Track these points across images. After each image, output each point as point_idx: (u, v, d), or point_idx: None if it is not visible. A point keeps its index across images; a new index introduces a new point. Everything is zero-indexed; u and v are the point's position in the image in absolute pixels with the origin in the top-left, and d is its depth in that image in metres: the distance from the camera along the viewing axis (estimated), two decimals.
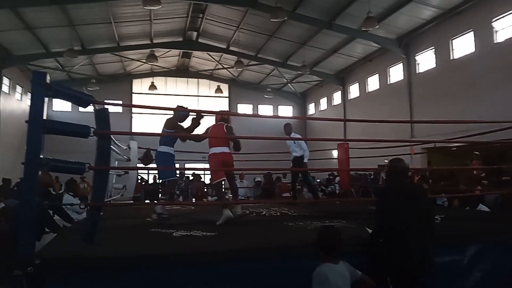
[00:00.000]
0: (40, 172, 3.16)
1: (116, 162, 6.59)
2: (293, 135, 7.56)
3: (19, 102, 20.88)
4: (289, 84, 25.09)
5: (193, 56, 23.79)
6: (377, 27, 13.83)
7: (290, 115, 27.53)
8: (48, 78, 3.26)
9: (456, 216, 5.58)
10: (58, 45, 17.92)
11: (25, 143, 3.17)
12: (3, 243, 4.40)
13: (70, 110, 22.01)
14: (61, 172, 3.53)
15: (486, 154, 10.68)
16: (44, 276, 2.83)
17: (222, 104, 26.96)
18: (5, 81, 19.22)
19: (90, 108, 3.87)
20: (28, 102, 3.42)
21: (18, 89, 20.94)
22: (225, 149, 5.28)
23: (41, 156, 3.12)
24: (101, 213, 4.20)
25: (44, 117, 3.22)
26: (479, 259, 3.81)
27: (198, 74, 26.32)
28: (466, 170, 9.71)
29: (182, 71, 26.12)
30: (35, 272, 2.80)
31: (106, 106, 3.83)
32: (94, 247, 3.37)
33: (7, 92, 19.56)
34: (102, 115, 3.67)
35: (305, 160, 7.25)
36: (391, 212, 3.34)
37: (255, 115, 25.50)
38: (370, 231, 3.61)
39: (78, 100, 3.63)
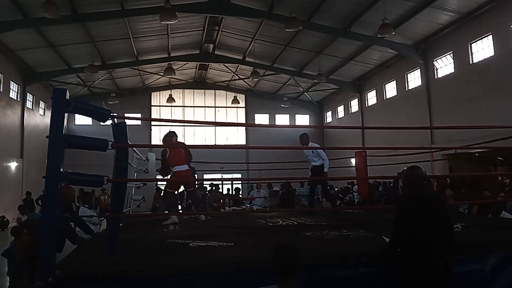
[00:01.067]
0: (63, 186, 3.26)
1: (135, 174, 6.70)
2: (311, 144, 7.45)
3: (42, 118, 21.53)
4: (305, 93, 25.07)
5: (210, 68, 24.10)
6: (393, 33, 13.72)
7: (307, 123, 27.47)
8: (68, 94, 3.38)
9: (478, 224, 5.43)
10: (79, 61, 18.48)
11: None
12: (26, 255, 4.53)
13: (91, 124, 22.57)
14: (80, 185, 3.63)
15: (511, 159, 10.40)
16: (64, 287, 2.90)
17: (239, 115, 27.23)
18: (29, 97, 19.91)
19: (110, 122, 3.97)
20: None
21: (42, 104, 21.64)
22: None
23: (62, 170, 3.22)
24: (121, 224, 4.28)
25: (64, 132, 3.33)
26: (502, 269, 3.70)
27: (215, 86, 26.61)
28: (488, 176, 9.46)
29: (199, 83, 26.48)
30: (56, 282, 2.88)
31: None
32: (113, 257, 3.43)
33: (31, 108, 20.23)
34: (119, 129, 3.76)
35: (325, 170, 7.15)
36: (409, 221, 3.30)
37: (272, 125, 25.51)
38: (387, 240, 3.57)
39: (97, 114, 3.73)
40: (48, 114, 20.00)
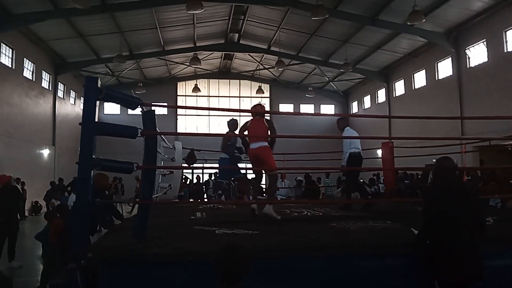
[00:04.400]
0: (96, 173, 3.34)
1: (162, 162, 6.83)
2: (346, 130, 6.64)
3: (73, 106, 22.18)
4: (331, 83, 24.75)
5: (235, 58, 24.11)
6: (424, 20, 13.31)
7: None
8: (99, 82, 3.46)
9: (511, 217, 5.27)
10: (108, 51, 18.87)
11: (78, 144, 3.39)
12: (59, 238, 4.72)
13: (119, 113, 23.08)
14: (111, 171, 3.71)
15: None
16: (96, 269, 3.00)
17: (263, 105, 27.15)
18: (60, 86, 20.53)
19: (138, 111, 4.04)
20: (81, 106, 3.64)
21: (72, 94, 22.28)
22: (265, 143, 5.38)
23: (93, 156, 3.32)
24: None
25: (96, 120, 3.41)
26: None
27: (239, 75, 26.64)
28: None
29: (224, 73, 26.56)
30: (88, 265, 2.98)
31: (152, 108, 3.99)
32: (143, 242, 3.52)
33: (62, 97, 20.86)
34: (149, 117, 3.82)
35: (343, 163, 6.49)
36: (438, 213, 3.22)
37: (296, 113, 25.34)
38: (416, 232, 3.51)
39: (127, 102, 3.81)
40: (79, 103, 20.76)
